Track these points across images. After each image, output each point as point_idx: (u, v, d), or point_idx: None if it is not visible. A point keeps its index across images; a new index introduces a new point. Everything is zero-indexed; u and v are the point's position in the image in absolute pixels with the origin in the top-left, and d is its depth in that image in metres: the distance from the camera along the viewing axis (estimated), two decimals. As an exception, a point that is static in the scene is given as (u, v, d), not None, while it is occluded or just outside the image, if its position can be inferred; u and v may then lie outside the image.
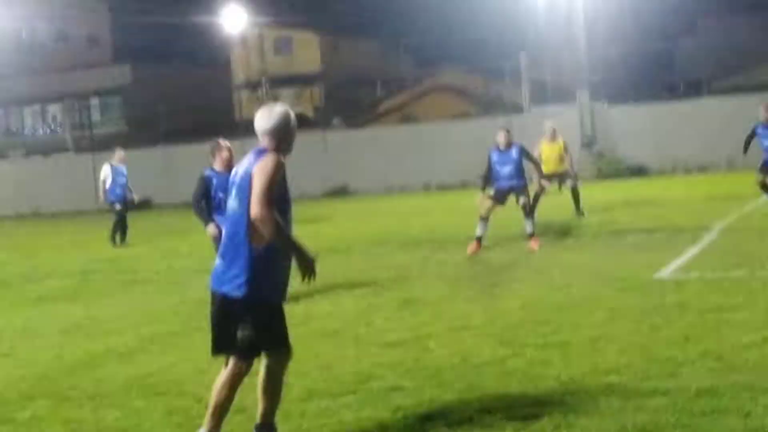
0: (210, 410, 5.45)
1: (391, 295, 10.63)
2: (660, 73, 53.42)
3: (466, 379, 6.65)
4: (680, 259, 11.75)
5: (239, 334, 5.31)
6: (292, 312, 6.53)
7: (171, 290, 12.49)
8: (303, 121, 48.70)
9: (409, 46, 60.23)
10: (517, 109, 39.51)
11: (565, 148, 18.30)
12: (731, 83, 42.50)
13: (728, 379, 6.11)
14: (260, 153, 5.43)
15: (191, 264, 14.81)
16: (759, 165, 16.20)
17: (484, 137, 35.34)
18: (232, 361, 5.41)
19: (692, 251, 12.41)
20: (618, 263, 11.87)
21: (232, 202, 5.48)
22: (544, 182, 15.43)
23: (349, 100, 53.40)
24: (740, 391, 5.82)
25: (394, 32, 60.07)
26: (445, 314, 9.23)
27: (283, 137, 5.49)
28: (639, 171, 33.30)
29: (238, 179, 5.45)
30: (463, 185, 35.72)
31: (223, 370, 5.46)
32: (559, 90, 39.25)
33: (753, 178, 16.43)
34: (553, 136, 18.18)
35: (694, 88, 45.37)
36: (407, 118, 46.12)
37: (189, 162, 27.77)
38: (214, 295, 5.49)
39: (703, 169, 32.65)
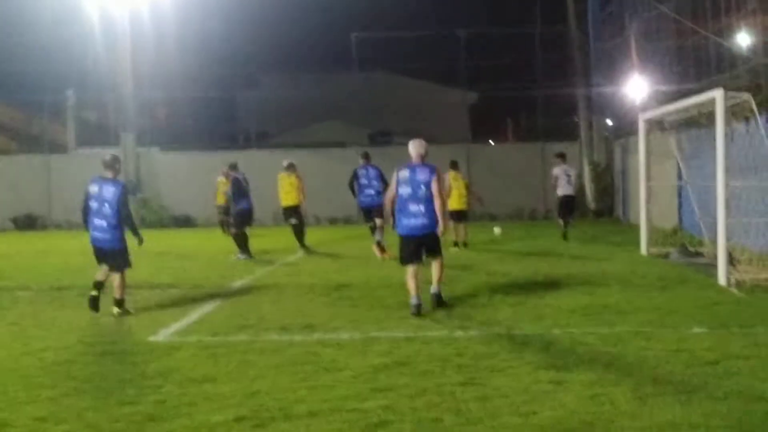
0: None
1: None
2: (221, 123, 53.24)
3: None
4: (188, 318, 10.33)
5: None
6: None
7: None
8: None
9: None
10: (61, 148, 36.95)
11: None
12: (293, 136, 43.41)
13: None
14: None
15: None
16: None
17: (24, 174, 32.91)
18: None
19: (205, 309, 11.07)
20: (120, 322, 10.20)
21: None
22: None
23: None
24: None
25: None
26: None
27: None
28: (186, 221, 32.16)
29: None
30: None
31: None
32: (104, 131, 37.19)
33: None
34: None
35: (256, 140, 45.47)
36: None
37: None
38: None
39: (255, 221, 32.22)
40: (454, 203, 19.26)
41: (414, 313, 10.29)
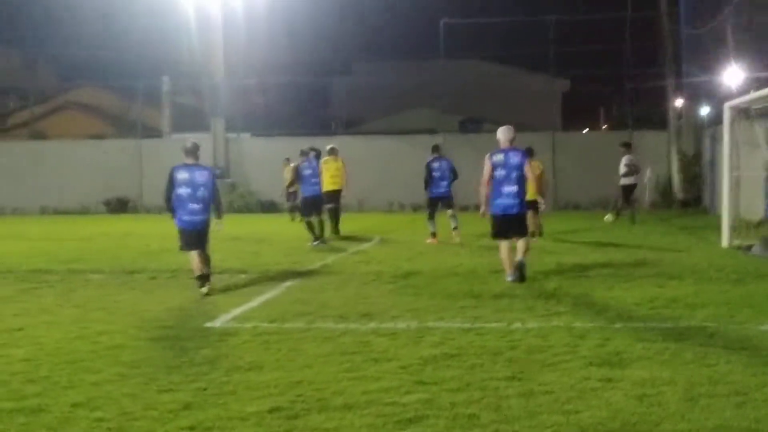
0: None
1: None
2: (314, 110, 53.77)
3: None
4: (250, 304, 10.37)
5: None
6: None
7: None
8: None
9: (53, 58, 56.01)
10: (157, 133, 37.71)
11: None
12: (384, 123, 43.46)
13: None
14: None
15: None
16: None
17: (118, 159, 33.68)
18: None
19: (268, 295, 11.11)
20: (181, 307, 10.30)
21: None
22: None
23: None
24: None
25: (38, 42, 55.69)
26: None
27: None
28: (271, 207, 32.44)
29: None
30: (83, 211, 33.31)
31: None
32: (200, 117, 37.76)
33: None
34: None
35: (348, 126, 45.68)
36: (36, 135, 42.50)
37: None
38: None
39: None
40: (530, 193, 18.92)
41: (514, 280, 11.71)
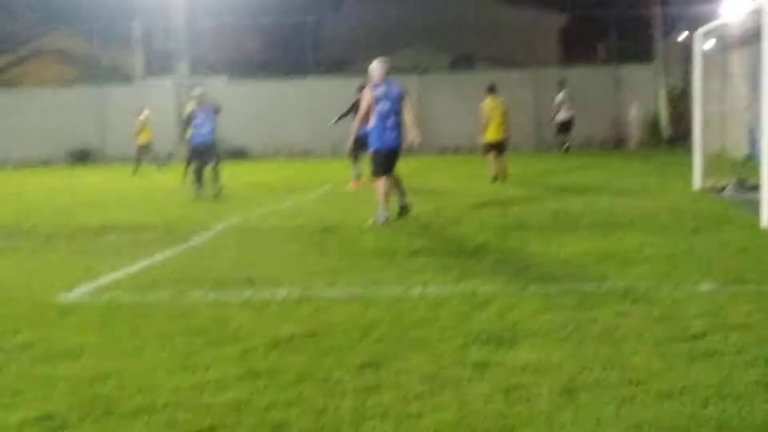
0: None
1: None
2: (298, 51, 51.90)
3: None
4: (128, 269, 9.13)
5: None
6: None
7: None
8: None
9: (25, 4, 54.21)
10: (127, 78, 36.39)
11: None
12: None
13: None
14: None
15: None
16: None
17: (80, 107, 32.34)
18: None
19: (160, 257, 9.87)
20: (48, 275, 9.04)
21: None
22: None
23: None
24: None
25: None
26: None
27: None
28: (240, 153, 31.13)
29: None
30: (46, 162, 32.14)
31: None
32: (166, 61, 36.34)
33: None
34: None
35: (337, 67, 44.04)
36: (7, 83, 41.09)
37: None
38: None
39: (307, 153, 31.15)
40: (492, 133, 17.65)
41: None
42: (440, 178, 19.89)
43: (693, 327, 6.06)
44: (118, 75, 37.57)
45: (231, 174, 22.98)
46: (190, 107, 18.26)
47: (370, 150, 12.18)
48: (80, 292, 8.05)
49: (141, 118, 25.43)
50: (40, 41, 46.68)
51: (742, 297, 6.90)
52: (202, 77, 32.96)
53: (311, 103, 30.70)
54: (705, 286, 7.34)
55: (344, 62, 45.16)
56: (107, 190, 19.00)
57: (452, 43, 44.92)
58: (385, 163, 11.87)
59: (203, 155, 17.46)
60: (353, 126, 13.06)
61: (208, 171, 17.25)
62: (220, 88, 32.92)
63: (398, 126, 11.92)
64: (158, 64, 38.11)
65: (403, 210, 12.20)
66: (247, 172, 23.94)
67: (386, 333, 6.23)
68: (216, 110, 17.67)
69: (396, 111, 11.87)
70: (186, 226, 12.39)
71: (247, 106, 31.45)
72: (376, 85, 11.95)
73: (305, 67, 36.76)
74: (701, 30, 15.58)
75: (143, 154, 25.11)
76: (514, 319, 6.49)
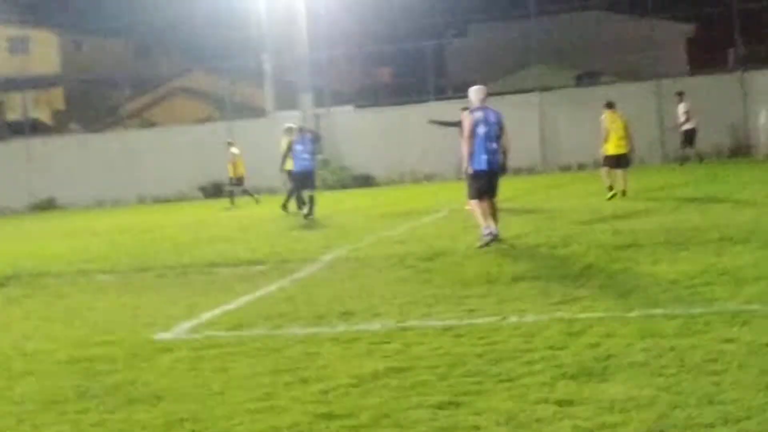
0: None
1: None
2: (424, 76, 52.00)
3: None
4: (227, 306, 9.13)
5: None
6: None
7: None
8: (39, 128, 44.60)
9: (165, 47, 56.31)
10: (259, 112, 37.20)
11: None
12: (498, 85, 41.58)
13: None
14: None
15: None
16: None
17: (211, 143, 33.10)
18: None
19: (259, 294, 9.82)
20: (151, 312, 9.13)
21: None
22: None
23: (91, 103, 49.16)
24: None
25: (149, 32, 55.87)
26: None
27: None
28: (365, 181, 31.27)
29: None
30: (180, 198, 33.03)
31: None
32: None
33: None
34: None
35: (461, 90, 43.87)
36: (146, 123, 42.68)
37: None
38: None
39: (431, 177, 31.07)
40: (613, 147, 17.23)
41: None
42: (558, 196, 19.47)
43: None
44: (249, 110, 38.35)
45: (351, 202, 23.15)
46: (285, 141, 19.14)
47: (467, 173, 11.98)
48: (178, 330, 8.10)
49: (233, 151, 25.92)
50: (177, 81, 48.35)
51: None
52: (327, 108, 33.34)
53: (434, 127, 30.51)
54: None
55: (469, 85, 44.90)
56: (227, 225, 19.32)
57: (577, 60, 44.34)
58: (479, 185, 11.85)
59: (302, 182, 18.28)
60: (462, 150, 12.85)
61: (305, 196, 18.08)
62: (345, 117, 33.31)
63: (494, 150, 11.90)
64: (287, 97, 38.81)
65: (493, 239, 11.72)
66: (368, 198, 23.96)
67: (473, 368, 5.99)
68: (315, 139, 18.34)
69: (492, 136, 11.86)
70: (294, 258, 12.40)
71: (371, 133, 31.70)
72: (474, 110, 12.05)
73: (429, 92, 36.87)
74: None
75: (236, 185, 25.78)
76: (609, 348, 6.15)
